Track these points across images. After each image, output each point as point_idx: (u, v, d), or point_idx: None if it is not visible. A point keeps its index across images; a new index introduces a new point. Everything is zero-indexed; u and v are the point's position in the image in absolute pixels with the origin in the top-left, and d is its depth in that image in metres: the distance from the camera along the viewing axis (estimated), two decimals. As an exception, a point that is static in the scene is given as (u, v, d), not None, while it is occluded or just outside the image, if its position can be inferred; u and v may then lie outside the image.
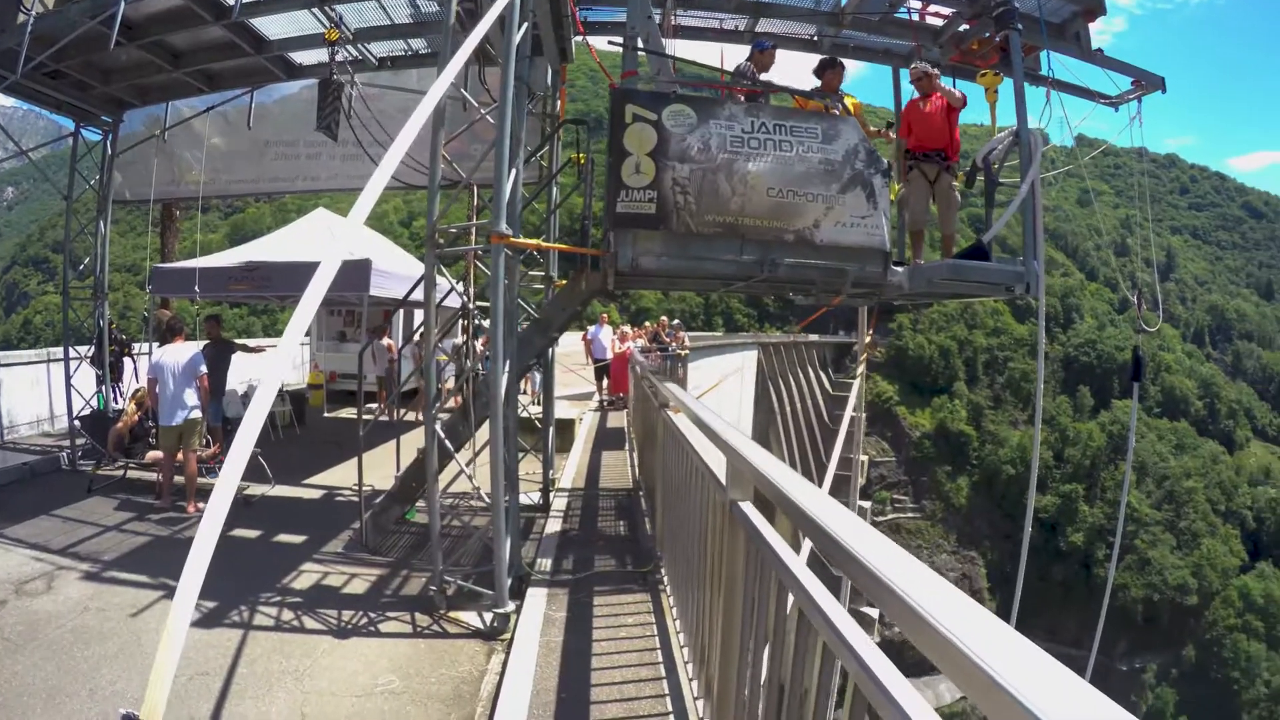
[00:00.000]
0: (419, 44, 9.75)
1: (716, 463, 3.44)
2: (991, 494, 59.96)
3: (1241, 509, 67.56)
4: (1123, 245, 59.16)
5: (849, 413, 13.61)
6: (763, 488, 2.48)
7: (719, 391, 23.61)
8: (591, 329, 19.06)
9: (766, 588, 2.46)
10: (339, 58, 8.66)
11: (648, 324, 20.67)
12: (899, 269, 6.30)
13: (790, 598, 2.21)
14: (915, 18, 8.69)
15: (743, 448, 2.81)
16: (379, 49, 9.67)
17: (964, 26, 8.33)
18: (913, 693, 1.36)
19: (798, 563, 2.23)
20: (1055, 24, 8.34)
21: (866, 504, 48.21)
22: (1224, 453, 73.36)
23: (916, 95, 7.62)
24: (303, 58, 10.14)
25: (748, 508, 2.85)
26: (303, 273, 10.04)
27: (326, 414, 16.17)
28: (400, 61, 10.05)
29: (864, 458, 51.53)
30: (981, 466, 60.87)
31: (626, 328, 19.53)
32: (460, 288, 6.93)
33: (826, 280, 5.99)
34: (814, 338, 46.09)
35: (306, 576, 6.56)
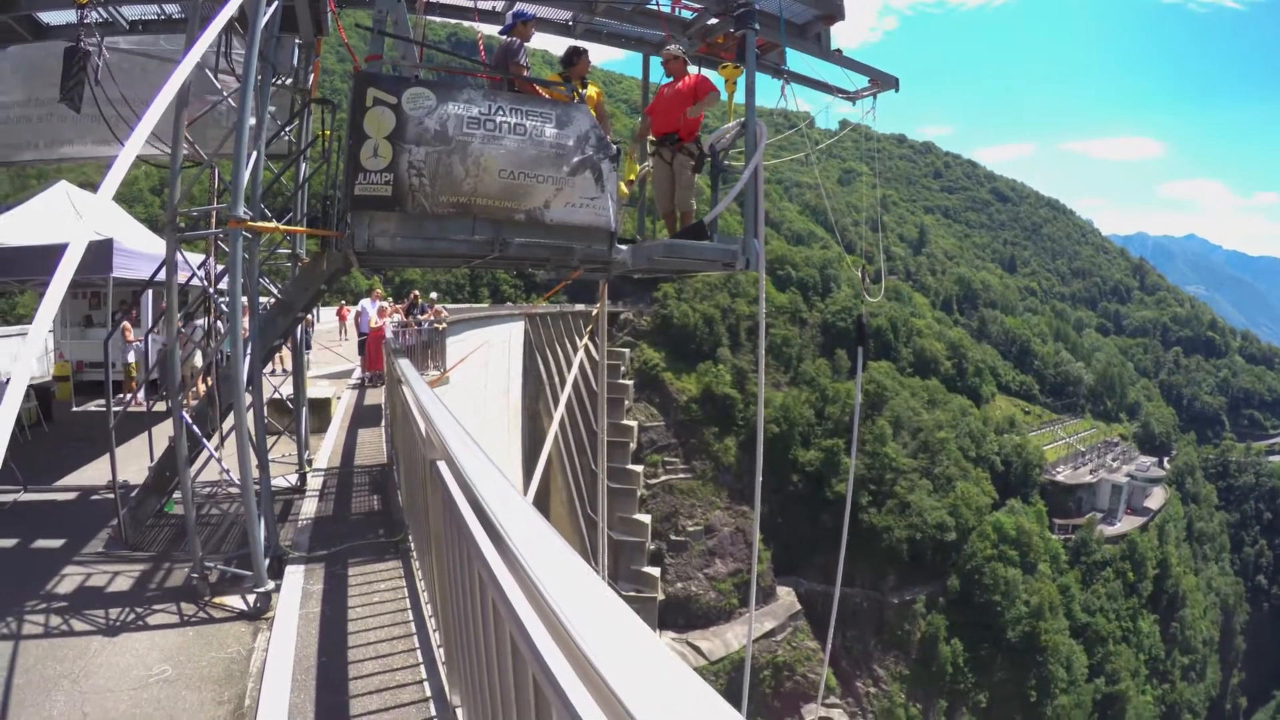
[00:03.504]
0: (172, 8, 9.13)
1: (424, 427, 3.70)
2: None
3: (990, 455, 75.77)
4: (879, 222, 64.11)
5: (603, 378, 14.21)
6: (439, 444, 2.77)
7: (486, 365, 23.63)
8: (363, 303, 18.63)
9: (457, 543, 2.61)
10: (89, 18, 7.98)
11: (415, 294, 20.47)
12: (623, 247, 6.70)
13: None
14: (668, 9, 9.20)
15: (432, 412, 3.09)
16: (131, 12, 8.97)
17: (712, 21, 8.91)
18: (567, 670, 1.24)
19: (473, 519, 2.28)
20: (797, 25, 8.99)
21: (639, 468, 49.70)
22: (972, 406, 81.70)
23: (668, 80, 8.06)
24: (51, 18, 9.16)
25: (443, 466, 3.02)
26: (44, 255, 9.32)
27: (75, 408, 14.84)
28: (152, 26, 9.34)
29: (634, 423, 53.11)
30: (747, 426, 63.36)
31: (382, 303, 19.20)
32: (201, 272, 6.74)
33: (556, 257, 6.30)
34: (580, 307, 46.39)
35: (70, 579, 6.29)
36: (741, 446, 63.27)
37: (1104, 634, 69.95)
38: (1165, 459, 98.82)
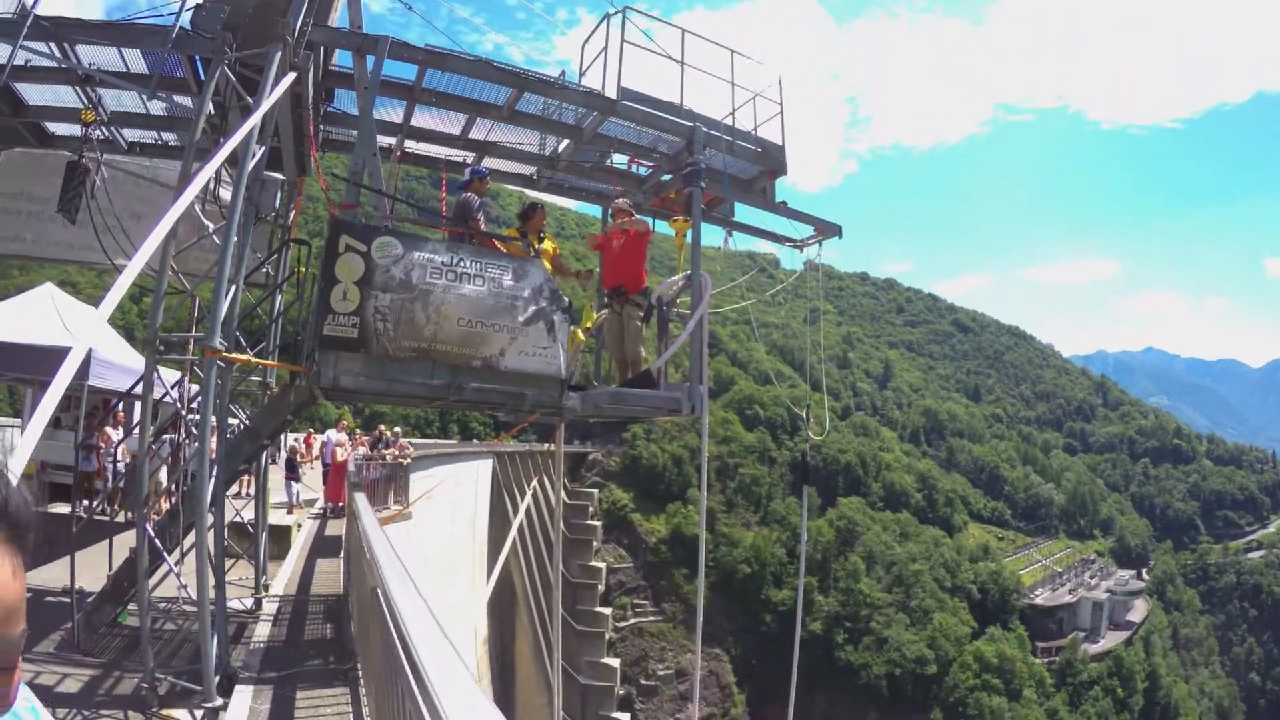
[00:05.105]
0: (169, 136, 9.81)
1: (370, 555, 4.12)
2: (729, 592, 62.22)
3: (966, 583, 75.43)
4: (844, 359, 65.28)
5: (559, 521, 13.88)
6: (377, 575, 3.19)
7: (454, 502, 23.68)
8: (329, 433, 18.87)
9: (386, 665, 3.02)
10: (92, 136, 8.60)
11: (380, 429, 20.75)
12: (574, 394, 7.16)
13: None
14: (624, 167, 10.05)
15: (373, 540, 3.52)
16: (131, 134, 9.65)
17: (665, 177, 9.72)
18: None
19: (398, 646, 2.63)
20: (744, 180, 9.78)
21: (608, 610, 48.85)
22: (944, 536, 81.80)
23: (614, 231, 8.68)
24: (57, 129, 9.78)
25: (380, 595, 3.45)
26: (23, 353, 9.71)
27: (37, 509, 14.74)
28: (149, 150, 9.98)
29: (602, 565, 52.14)
30: (718, 567, 62.72)
31: (344, 435, 19.45)
32: (175, 393, 7.16)
33: (510, 402, 6.77)
34: (548, 447, 46.60)
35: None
36: (712, 588, 62.23)
37: (1098, 754, 67.96)
38: (1144, 570, 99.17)
